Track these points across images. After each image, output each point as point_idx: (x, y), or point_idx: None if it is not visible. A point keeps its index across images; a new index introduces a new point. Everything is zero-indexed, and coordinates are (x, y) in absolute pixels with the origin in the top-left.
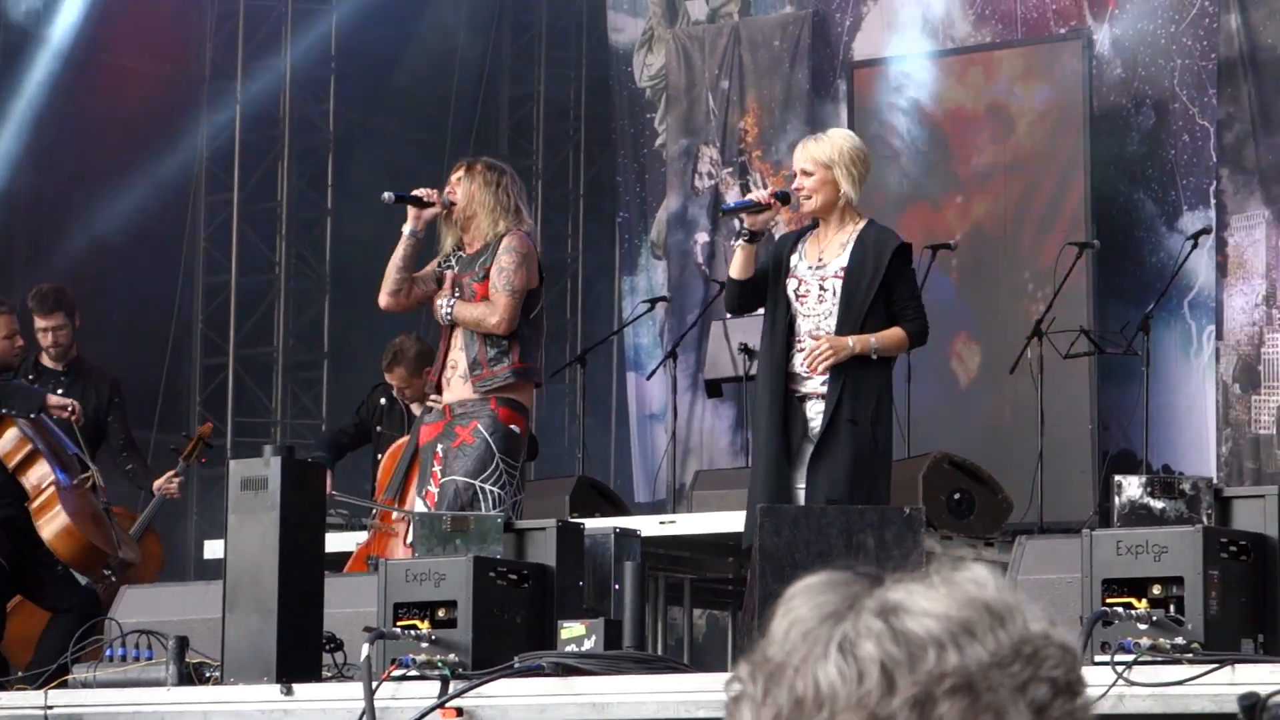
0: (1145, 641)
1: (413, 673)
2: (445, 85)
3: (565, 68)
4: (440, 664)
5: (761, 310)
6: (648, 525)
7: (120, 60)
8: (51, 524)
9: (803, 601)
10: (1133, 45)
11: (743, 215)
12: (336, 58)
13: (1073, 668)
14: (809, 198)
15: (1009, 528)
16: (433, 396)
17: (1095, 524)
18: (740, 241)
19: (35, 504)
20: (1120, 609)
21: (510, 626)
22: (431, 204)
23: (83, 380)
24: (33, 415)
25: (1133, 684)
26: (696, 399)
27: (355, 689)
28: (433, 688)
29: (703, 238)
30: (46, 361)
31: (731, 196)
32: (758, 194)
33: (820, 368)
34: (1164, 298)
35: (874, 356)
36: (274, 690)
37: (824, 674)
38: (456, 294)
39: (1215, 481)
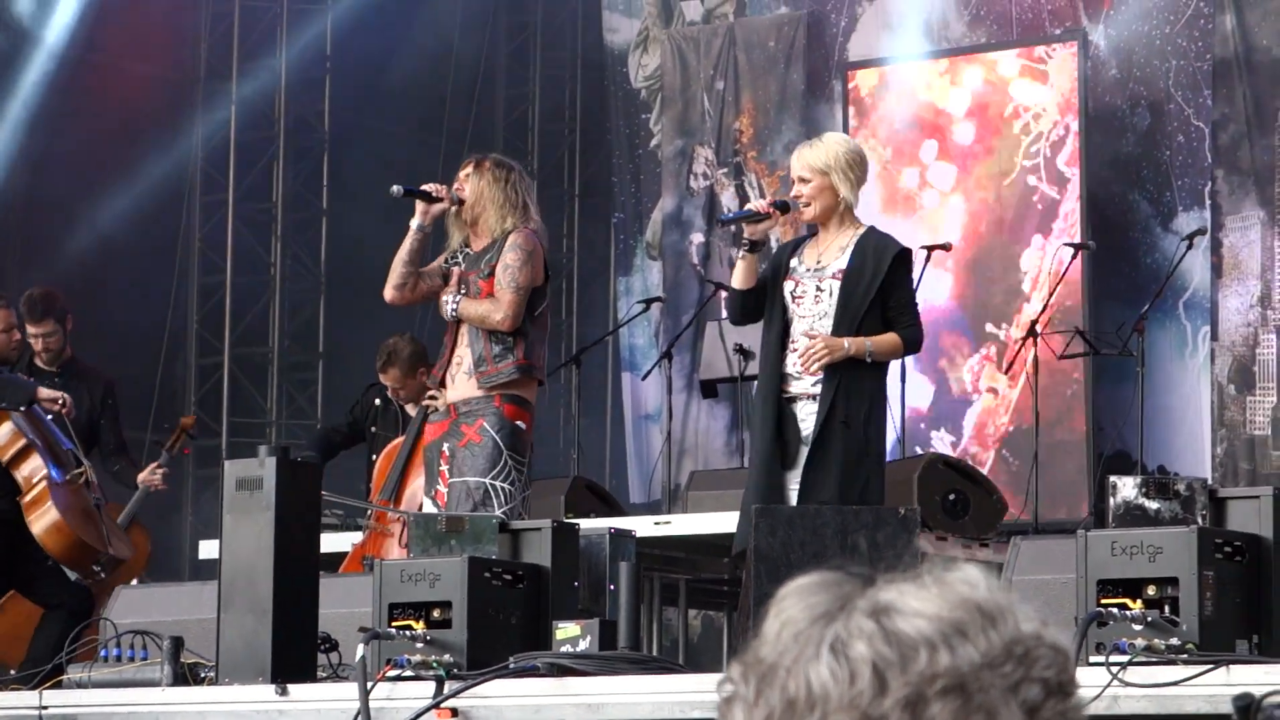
0: (1140, 642)
1: (408, 673)
2: (440, 85)
3: (560, 68)
4: (435, 664)
5: None
6: (643, 526)
7: (115, 60)
8: (42, 519)
9: (794, 602)
10: (1128, 46)
11: (742, 225)
12: (332, 58)
13: (1065, 668)
14: (807, 205)
15: (1004, 528)
16: (432, 390)
17: (1090, 525)
18: (741, 252)
19: (26, 499)
20: (1115, 610)
21: (505, 627)
22: (440, 199)
23: (76, 381)
24: (24, 408)
25: (1128, 685)
26: (692, 399)
27: (350, 689)
28: (428, 688)
29: (698, 238)
30: (40, 363)
31: (727, 197)
32: (756, 203)
33: (814, 367)
34: (1159, 298)
35: (868, 359)
36: (269, 691)
37: (816, 675)
38: (462, 290)
39: (1210, 482)
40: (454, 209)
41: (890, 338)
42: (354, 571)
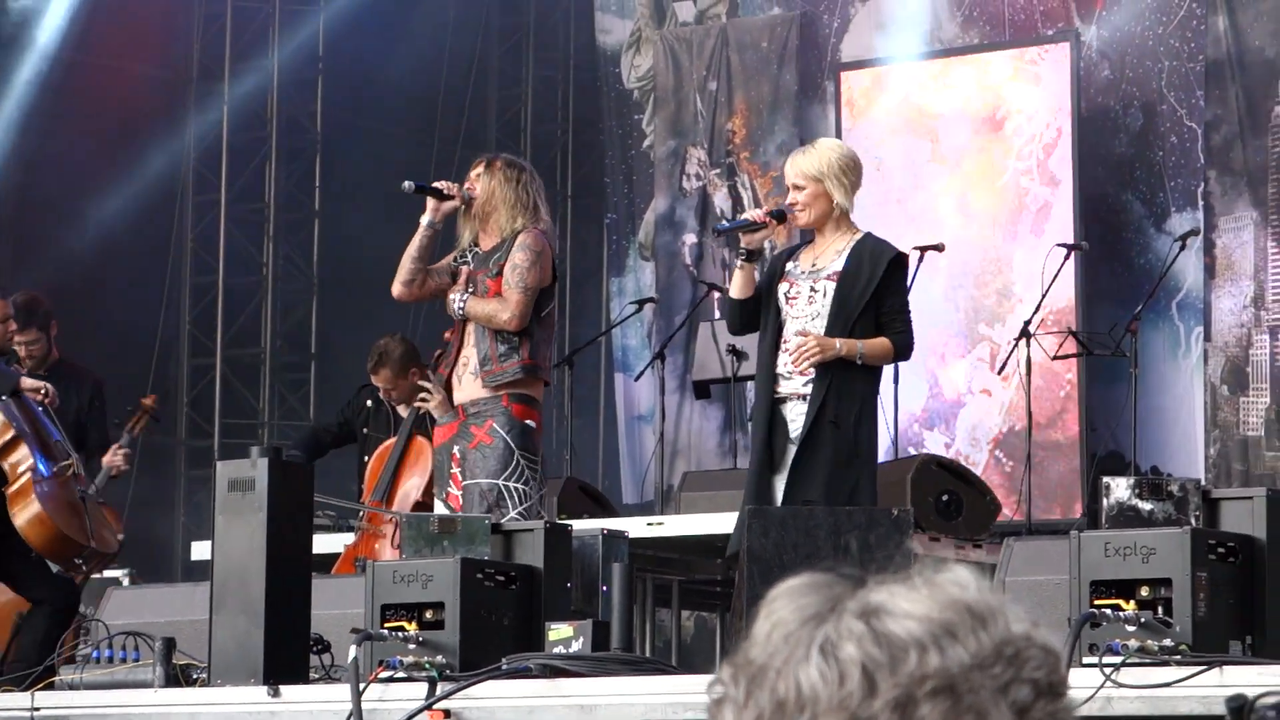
0: (1133, 643)
1: (400, 674)
2: (433, 86)
3: (553, 69)
4: (428, 665)
5: None
6: (636, 527)
7: (108, 60)
8: (24, 512)
9: (785, 603)
10: (1121, 47)
11: (739, 234)
12: (324, 58)
13: (1055, 669)
14: (802, 211)
15: (997, 529)
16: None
17: (1083, 525)
18: (738, 261)
19: (10, 490)
20: (1108, 611)
21: (498, 628)
22: (451, 197)
23: (64, 383)
24: (4, 396)
25: (1121, 686)
26: (684, 400)
27: (342, 690)
28: (420, 689)
29: (690, 239)
30: (26, 369)
31: (719, 197)
32: (753, 213)
33: (804, 365)
34: (1152, 299)
35: (859, 361)
36: (261, 692)
37: (805, 676)
38: (470, 289)
39: (1203, 483)
40: (464, 207)
41: (882, 342)
42: (346, 573)
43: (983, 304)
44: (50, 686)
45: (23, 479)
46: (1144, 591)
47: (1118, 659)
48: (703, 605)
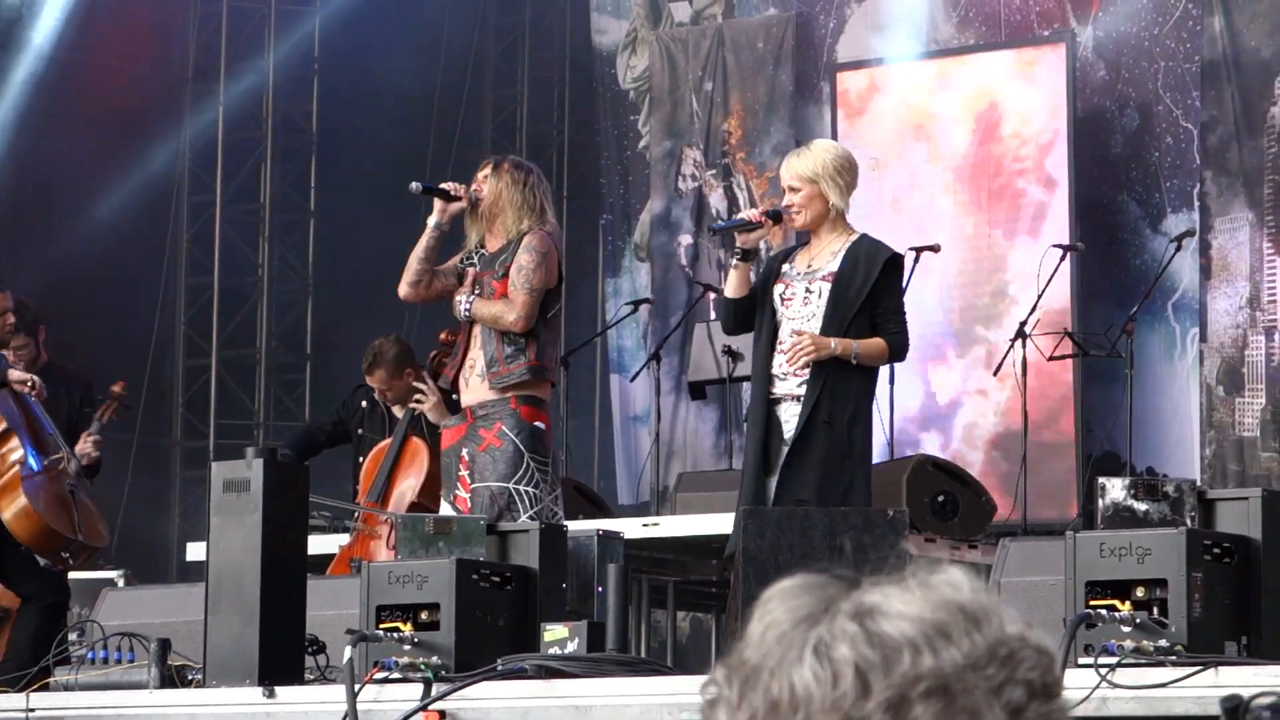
0: (1129, 644)
1: (395, 675)
2: (429, 87)
3: (549, 70)
4: (423, 666)
5: None
6: (631, 527)
7: (103, 61)
8: (10, 505)
9: (778, 605)
10: (1116, 47)
11: (734, 234)
12: (320, 59)
13: (1049, 669)
14: (798, 213)
15: (993, 530)
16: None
17: (1079, 526)
18: (733, 261)
19: None
20: (1104, 611)
21: (493, 629)
22: (458, 198)
23: (54, 386)
24: None
25: (1116, 686)
26: (680, 401)
27: (338, 691)
28: (415, 690)
29: (686, 240)
30: None
31: (715, 198)
32: (749, 212)
33: (799, 363)
34: (1148, 300)
35: (854, 360)
36: (256, 693)
37: (799, 677)
38: (476, 291)
39: (1199, 484)
40: (471, 208)
41: (877, 342)
42: (341, 573)
43: (979, 305)
44: (46, 687)
45: (10, 472)
46: (1139, 592)
47: (1113, 659)
48: (698, 606)
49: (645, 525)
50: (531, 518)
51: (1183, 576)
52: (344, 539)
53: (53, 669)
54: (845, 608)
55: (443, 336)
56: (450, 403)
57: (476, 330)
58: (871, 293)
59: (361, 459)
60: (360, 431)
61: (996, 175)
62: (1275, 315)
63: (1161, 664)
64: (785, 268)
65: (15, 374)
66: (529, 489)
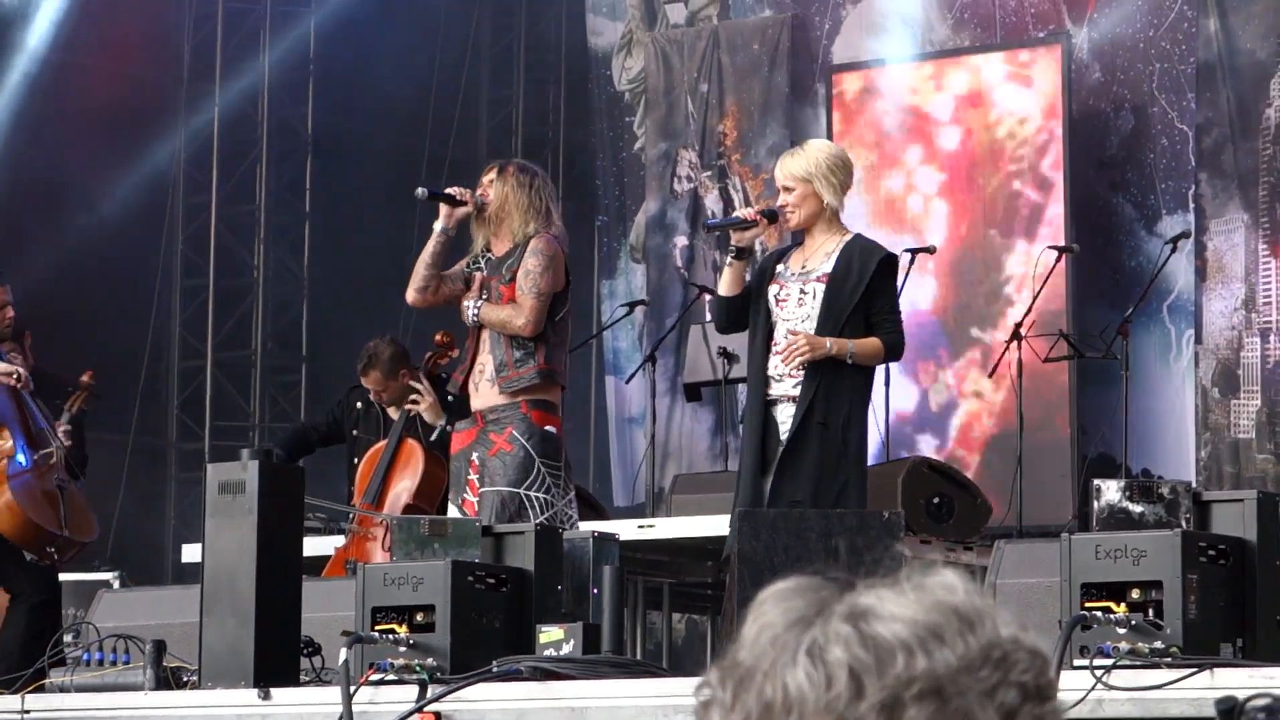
0: (1124, 645)
1: (391, 677)
2: (424, 88)
3: (544, 71)
4: (418, 668)
5: None
6: (626, 529)
7: (98, 62)
8: None
9: (772, 607)
10: (1111, 49)
11: (729, 232)
12: (315, 60)
13: (1042, 672)
14: (792, 213)
15: (988, 532)
16: (414, 387)
17: (1074, 528)
18: (728, 259)
19: None
20: (1099, 613)
21: (488, 630)
22: (464, 203)
23: (43, 390)
24: None
25: (1111, 688)
26: (675, 403)
27: (333, 693)
28: (411, 692)
29: (682, 241)
30: None
31: (710, 200)
32: (743, 211)
33: (794, 363)
34: (1143, 302)
35: (849, 361)
36: (252, 695)
37: (792, 679)
38: (484, 296)
39: (1194, 485)
40: (477, 213)
41: (872, 342)
42: (337, 575)
43: (974, 306)
44: (41, 689)
45: None
46: (1135, 594)
47: (1108, 661)
48: (694, 608)
49: (641, 527)
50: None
51: (1178, 578)
52: (339, 541)
53: (48, 670)
54: (839, 610)
55: (438, 338)
56: (447, 405)
57: (485, 335)
58: (865, 293)
59: (356, 460)
60: (355, 432)
61: (992, 177)
62: (1270, 317)
63: (1157, 666)
64: (780, 268)
65: (1, 365)
66: (540, 494)
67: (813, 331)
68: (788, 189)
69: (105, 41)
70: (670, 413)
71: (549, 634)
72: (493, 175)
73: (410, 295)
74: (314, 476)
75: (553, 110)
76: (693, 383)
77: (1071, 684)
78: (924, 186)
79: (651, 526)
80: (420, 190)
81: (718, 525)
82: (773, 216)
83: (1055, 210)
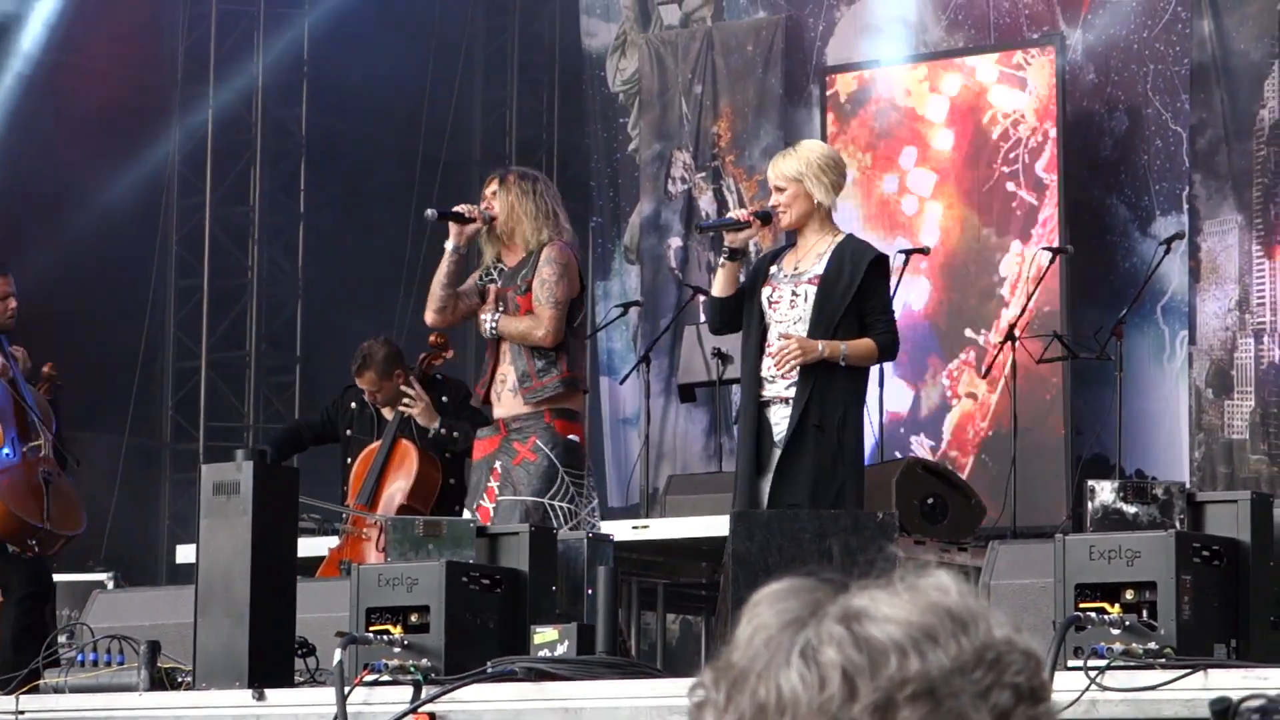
0: (1118, 646)
1: (385, 678)
2: (418, 89)
3: (538, 72)
4: (413, 669)
5: None
6: (621, 530)
7: (92, 63)
8: None
9: (766, 608)
10: (1105, 50)
11: (722, 233)
12: (309, 62)
13: (1036, 673)
14: (784, 213)
15: (982, 532)
16: (406, 390)
17: (1068, 529)
18: (721, 260)
19: None
20: (1093, 614)
21: (483, 631)
22: (472, 220)
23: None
24: None
25: (1105, 689)
26: (670, 403)
27: (327, 694)
28: (405, 693)
29: (676, 242)
30: None
31: (705, 201)
32: (737, 212)
33: (786, 367)
34: (1137, 303)
35: (842, 362)
36: (246, 695)
37: (786, 680)
38: (500, 308)
39: (1188, 486)
40: (487, 227)
41: (865, 343)
42: (331, 576)
43: (968, 307)
44: (35, 689)
45: None
46: (1129, 595)
47: (1102, 662)
48: (688, 608)
49: (635, 528)
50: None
51: (1172, 579)
52: (333, 541)
53: (42, 671)
54: (833, 611)
55: (433, 339)
56: (440, 407)
57: (505, 346)
58: (858, 294)
59: (350, 460)
60: (349, 432)
61: (986, 178)
62: (1264, 318)
63: (1151, 667)
64: (773, 269)
65: None
66: (564, 505)
67: (805, 333)
68: (779, 189)
69: (99, 43)
70: (665, 413)
71: (543, 635)
72: (494, 186)
73: (430, 317)
74: (308, 476)
75: (547, 111)
76: (687, 383)
77: (1065, 685)
78: (918, 188)
79: (646, 527)
80: (429, 212)
81: (712, 526)
82: (766, 218)
83: (1049, 211)
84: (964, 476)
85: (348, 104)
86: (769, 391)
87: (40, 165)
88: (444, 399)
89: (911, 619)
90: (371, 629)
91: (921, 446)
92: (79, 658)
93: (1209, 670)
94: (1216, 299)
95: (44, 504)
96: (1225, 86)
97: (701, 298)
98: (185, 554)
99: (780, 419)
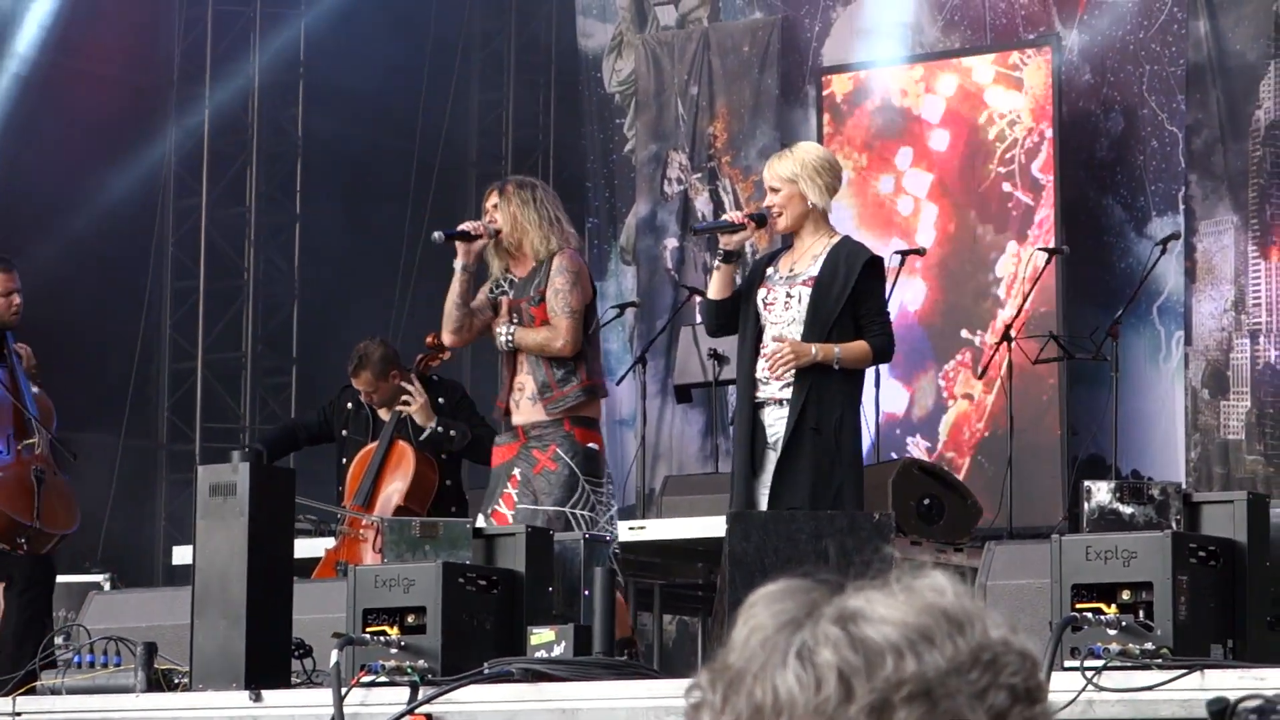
0: (1114, 647)
1: (382, 679)
2: (414, 90)
3: (534, 73)
4: (409, 670)
5: None
6: (617, 531)
7: (88, 64)
8: None
9: (762, 609)
10: (1101, 51)
11: (718, 235)
12: (305, 62)
13: (1032, 674)
14: (779, 214)
15: (978, 533)
16: (406, 388)
17: (1065, 529)
18: (716, 262)
19: None
20: (1089, 614)
21: (479, 632)
22: (479, 236)
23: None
24: None
25: (1102, 689)
26: (666, 404)
27: (324, 695)
28: (402, 693)
29: (672, 243)
30: None
31: (701, 201)
32: (732, 214)
33: (779, 371)
34: (1133, 303)
35: (835, 366)
36: (243, 696)
37: (782, 681)
38: (515, 319)
39: (1184, 487)
40: (493, 241)
41: (859, 345)
42: (327, 577)
43: (964, 308)
44: (32, 691)
45: None
46: (1125, 595)
47: (1099, 663)
48: (684, 609)
49: (631, 529)
50: None
51: (1168, 579)
52: (330, 542)
53: (39, 672)
54: (829, 612)
55: (429, 340)
56: (437, 407)
57: (522, 357)
58: (852, 296)
59: (345, 460)
60: (344, 433)
61: (982, 179)
62: (1260, 318)
63: (1147, 667)
64: (769, 271)
65: None
66: (584, 513)
67: (800, 336)
68: (774, 190)
69: (95, 44)
70: (661, 414)
71: (540, 636)
72: (495, 199)
73: (447, 339)
74: (303, 476)
75: (543, 112)
76: (683, 384)
77: (1062, 685)
78: (914, 188)
79: (642, 528)
80: (436, 235)
81: (708, 527)
82: (761, 220)
83: (1045, 212)
84: (960, 477)
85: (344, 105)
86: (764, 393)
87: (36, 166)
88: (440, 400)
89: (908, 620)
90: (368, 630)
91: (918, 447)
92: (76, 659)
93: (1206, 670)
94: (1212, 299)
95: (34, 503)
96: (1221, 87)
97: (698, 299)
98: (182, 555)
99: (775, 420)
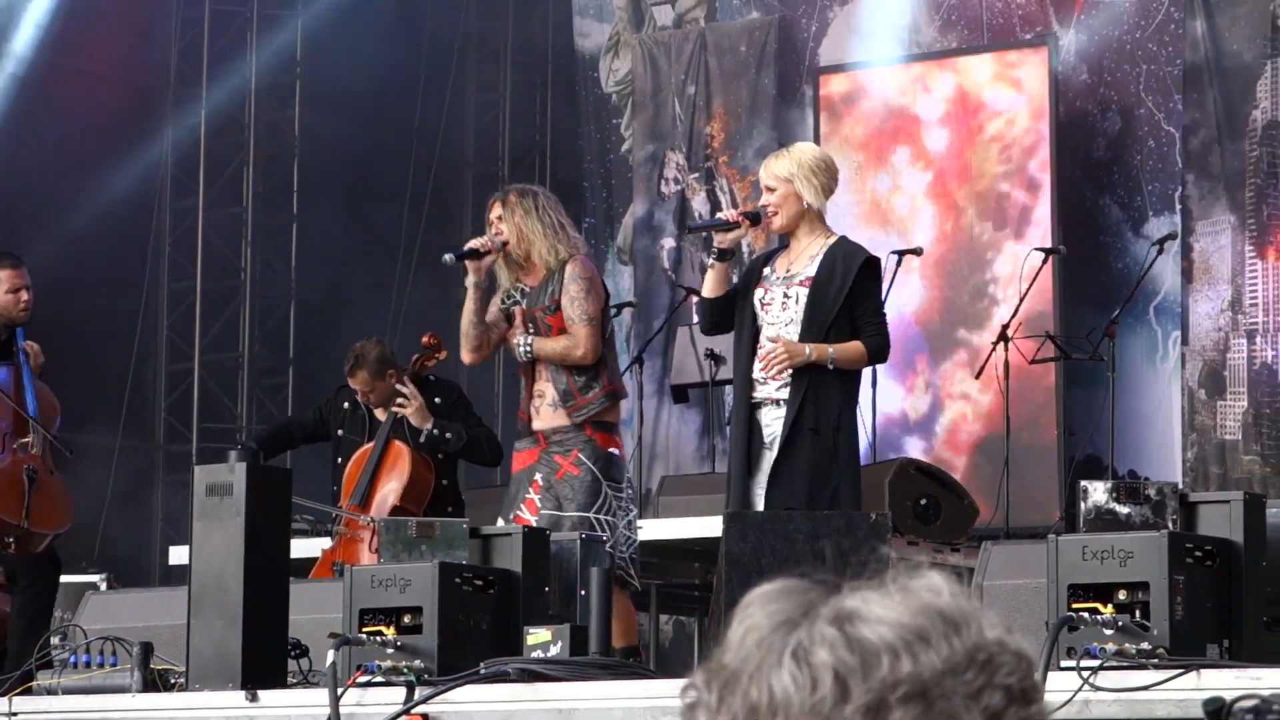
0: (1111, 646)
1: (378, 679)
2: (411, 90)
3: (531, 73)
4: (406, 670)
5: None
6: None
7: (85, 65)
8: None
9: (758, 609)
10: (1098, 51)
11: (712, 233)
12: (302, 63)
13: (1027, 675)
14: (774, 214)
15: (975, 533)
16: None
17: (1061, 529)
18: (710, 260)
19: None
20: (1086, 614)
21: (476, 632)
22: (488, 251)
23: None
24: None
25: (1098, 689)
26: (663, 404)
27: (321, 695)
28: (398, 694)
29: (669, 243)
30: None
31: (698, 202)
32: (727, 212)
33: (773, 372)
34: (1130, 303)
35: (830, 366)
36: (239, 696)
37: (778, 681)
38: (531, 329)
39: (1180, 486)
40: (503, 254)
41: (855, 346)
42: (324, 577)
43: (961, 308)
44: (28, 691)
45: None
46: (1121, 595)
47: (1095, 662)
48: (681, 609)
49: None
50: (611, 547)
51: (1164, 579)
52: (326, 542)
53: (35, 673)
54: (825, 612)
55: (425, 340)
56: (434, 407)
57: (540, 366)
58: (849, 296)
59: (341, 460)
60: (340, 432)
61: (979, 178)
62: (1256, 318)
63: (1143, 667)
64: (765, 271)
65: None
66: (607, 518)
67: (797, 336)
68: (770, 189)
69: (92, 44)
70: (657, 414)
71: (536, 636)
72: (498, 210)
73: (467, 357)
74: (299, 477)
75: (540, 112)
76: (680, 384)
77: (1058, 685)
78: (911, 188)
79: (639, 528)
80: (447, 257)
81: (705, 527)
82: (755, 218)
83: (1042, 212)
84: (957, 477)
85: (341, 105)
86: (761, 393)
87: (33, 167)
88: (437, 400)
89: (904, 620)
90: (364, 630)
91: (915, 447)
92: (72, 659)
93: (1202, 670)
94: (1209, 299)
95: (24, 502)
96: (1218, 87)
97: (694, 299)
98: (178, 555)
99: (771, 420)
